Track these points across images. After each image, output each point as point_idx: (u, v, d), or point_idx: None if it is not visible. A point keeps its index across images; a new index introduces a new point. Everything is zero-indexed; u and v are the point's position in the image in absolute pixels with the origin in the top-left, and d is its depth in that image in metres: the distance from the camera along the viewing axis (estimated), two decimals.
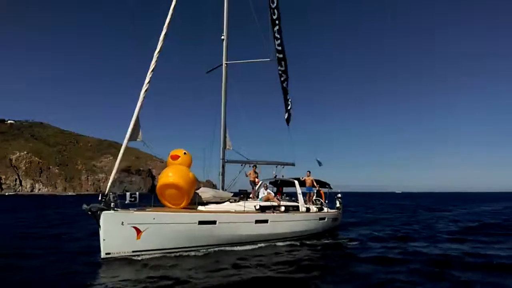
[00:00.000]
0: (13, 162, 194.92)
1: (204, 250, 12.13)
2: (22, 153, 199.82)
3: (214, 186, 17.46)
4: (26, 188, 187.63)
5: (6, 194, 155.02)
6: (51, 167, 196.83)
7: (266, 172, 18.38)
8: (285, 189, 19.03)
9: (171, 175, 12.24)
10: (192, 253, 11.74)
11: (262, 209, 14.37)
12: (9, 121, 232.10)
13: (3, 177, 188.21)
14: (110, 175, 11.69)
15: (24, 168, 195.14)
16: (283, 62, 17.36)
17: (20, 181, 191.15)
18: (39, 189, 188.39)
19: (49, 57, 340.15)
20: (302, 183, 17.69)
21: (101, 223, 10.50)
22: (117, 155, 11.44)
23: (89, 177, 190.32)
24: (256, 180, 17.12)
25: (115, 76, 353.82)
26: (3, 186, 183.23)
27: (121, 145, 11.74)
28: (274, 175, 17.83)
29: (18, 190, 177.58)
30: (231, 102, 16.48)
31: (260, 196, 15.70)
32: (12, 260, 10.95)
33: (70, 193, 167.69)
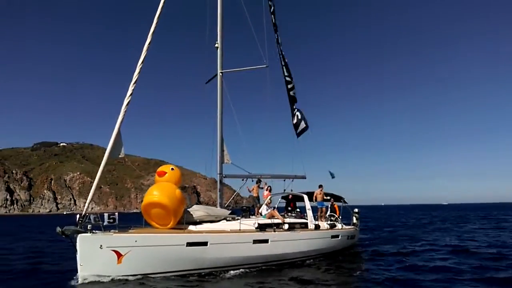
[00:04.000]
0: (67, 182, 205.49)
1: (194, 274, 11.12)
2: (75, 174, 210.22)
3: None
4: (80, 207, 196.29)
5: (64, 213, 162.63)
6: (102, 186, 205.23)
7: (276, 187, 17.20)
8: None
9: (155, 194, 11.42)
10: (180, 278, 10.76)
11: (262, 227, 13.10)
12: (61, 144, 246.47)
13: (59, 197, 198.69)
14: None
15: (77, 188, 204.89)
16: (284, 68, 16.41)
17: (75, 201, 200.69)
18: (91, 208, 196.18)
19: (94, 81, 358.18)
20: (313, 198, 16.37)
21: (77, 247, 9.80)
22: None
23: (137, 195, 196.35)
24: (264, 195, 16.00)
25: (157, 96, 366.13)
26: (59, 206, 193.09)
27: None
28: (283, 190, 16.60)
29: (73, 209, 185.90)
30: (233, 113, 15.56)
31: (263, 213, 14.52)
32: None
33: (120, 211, 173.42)
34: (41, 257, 16.10)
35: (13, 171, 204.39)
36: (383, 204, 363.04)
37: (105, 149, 11.39)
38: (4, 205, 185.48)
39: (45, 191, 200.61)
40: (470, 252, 15.78)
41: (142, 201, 11.87)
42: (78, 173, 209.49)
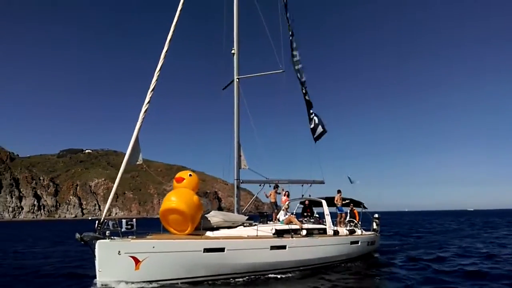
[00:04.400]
0: (92, 188, 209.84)
1: (211, 280, 11.10)
2: (100, 180, 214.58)
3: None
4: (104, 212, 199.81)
5: (89, 218, 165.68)
6: (126, 192, 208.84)
7: (294, 192, 17.06)
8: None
9: (173, 199, 11.46)
10: (198, 285, 10.79)
11: (279, 233, 12.97)
12: (87, 151, 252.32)
13: (84, 202, 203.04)
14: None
15: (102, 194, 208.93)
16: (298, 74, 16.35)
17: (99, 206, 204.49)
18: (115, 213, 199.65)
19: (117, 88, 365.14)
20: (332, 203, 16.16)
21: (96, 253, 9.91)
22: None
23: (160, 201, 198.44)
24: (282, 200, 15.91)
25: (179, 103, 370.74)
26: (84, 211, 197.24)
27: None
28: (301, 195, 16.46)
29: (97, 214, 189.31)
30: (250, 118, 15.56)
31: (281, 219, 14.41)
32: None
33: (143, 216, 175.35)
34: (74, 261, 16.58)
35: (40, 178, 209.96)
36: (406, 210, 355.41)
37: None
38: (32, 210, 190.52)
39: (71, 197, 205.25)
40: (502, 258, 15.54)
41: None
42: (103, 179, 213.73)
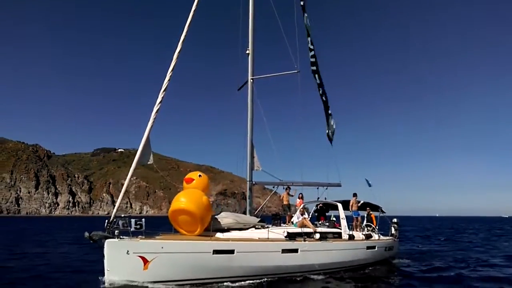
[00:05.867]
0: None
1: (220, 283, 10.98)
2: (132, 178, 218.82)
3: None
4: (135, 210, 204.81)
5: (122, 215, 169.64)
6: (156, 191, 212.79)
7: (310, 195, 16.75)
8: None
9: (182, 200, 11.38)
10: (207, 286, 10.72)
11: (291, 236, 12.66)
12: (119, 150, 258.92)
13: (116, 200, 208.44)
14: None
15: (133, 192, 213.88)
16: (316, 75, 16.05)
17: (131, 204, 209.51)
18: (146, 211, 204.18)
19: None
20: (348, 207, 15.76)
21: (105, 252, 9.99)
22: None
23: None
24: (297, 203, 15.65)
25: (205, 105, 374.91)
26: None
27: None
28: (317, 198, 16.12)
29: (129, 212, 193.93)
30: (264, 119, 15.36)
31: (294, 222, 14.17)
32: None
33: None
34: (85, 259, 16.90)
35: (75, 175, 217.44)
36: (437, 215, 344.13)
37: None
38: (67, 206, 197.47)
39: (104, 194, 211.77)
40: None
41: None
42: (135, 177, 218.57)
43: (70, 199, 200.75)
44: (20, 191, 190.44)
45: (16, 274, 12.72)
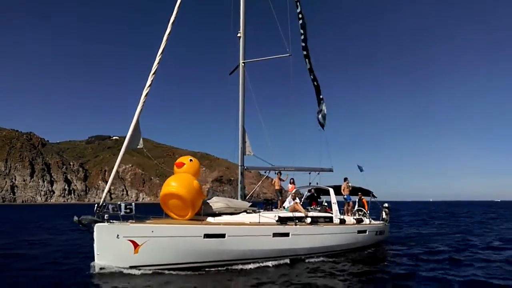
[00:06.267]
0: (120, 174, 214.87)
1: (211, 266, 11.01)
2: (127, 166, 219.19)
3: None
4: (131, 197, 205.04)
5: (118, 203, 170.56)
6: (152, 178, 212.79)
7: (302, 180, 16.72)
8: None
9: (173, 184, 11.36)
10: (196, 270, 10.70)
11: (283, 220, 12.75)
12: (114, 137, 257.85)
13: (112, 187, 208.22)
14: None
15: (129, 179, 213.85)
16: (306, 60, 15.93)
17: (127, 191, 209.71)
18: (142, 198, 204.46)
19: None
20: (340, 192, 15.82)
21: (94, 236, 9.95)
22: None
23: None
24: (289, 188, 15.67)
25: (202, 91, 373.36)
26: (112, 196, 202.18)
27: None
28: (309, 183, 16.16)
29: (125, 199, 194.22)
30: (253, 103, 15.27)
31: (286, 206, 14.21)
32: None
33: None
34: (75, 243, 16.86)
35: (70, 163, 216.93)
36: (431, 200, 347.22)
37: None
38: (63, 194, 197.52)
39: (100, 182, 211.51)
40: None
41: None
42: (130, 165, 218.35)
43: (66, 187, 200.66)
44: (15, 180, 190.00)
45: (34, 261, 12.57)
